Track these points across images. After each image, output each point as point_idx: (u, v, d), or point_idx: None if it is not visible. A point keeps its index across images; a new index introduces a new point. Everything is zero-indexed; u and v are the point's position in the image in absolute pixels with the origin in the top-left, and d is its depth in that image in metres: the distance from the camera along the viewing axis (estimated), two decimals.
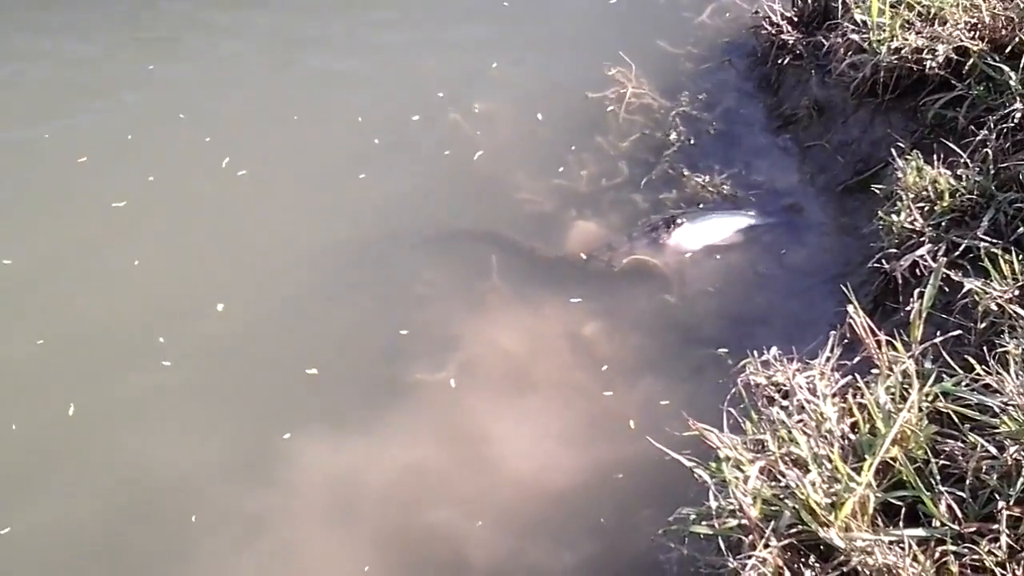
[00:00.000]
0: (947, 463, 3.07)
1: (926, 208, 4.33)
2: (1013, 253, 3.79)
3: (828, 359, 3.55)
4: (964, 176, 4.31)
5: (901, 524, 2.93)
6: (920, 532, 2.89)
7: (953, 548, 2.82)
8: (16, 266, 5.47)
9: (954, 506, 2.90)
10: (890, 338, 3.41)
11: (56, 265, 5.44)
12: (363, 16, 7.13)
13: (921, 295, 3.52)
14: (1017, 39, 4.70)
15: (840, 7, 5.66)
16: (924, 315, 3.44)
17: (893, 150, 4.71)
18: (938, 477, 3.00)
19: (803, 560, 2.98)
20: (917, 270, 4.16)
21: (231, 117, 6.36)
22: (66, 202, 5.84)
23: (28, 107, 6.57)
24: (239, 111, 6.43)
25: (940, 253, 4.07)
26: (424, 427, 4.58)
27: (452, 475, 4.42)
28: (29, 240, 5.60)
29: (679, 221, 5.19)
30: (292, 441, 4.56)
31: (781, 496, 3.06)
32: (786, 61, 6.00)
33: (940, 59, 4.89)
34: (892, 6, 5.14)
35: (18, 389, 4.88)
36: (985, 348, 3.43)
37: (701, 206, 5.38)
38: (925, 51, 4.95)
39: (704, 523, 3.19)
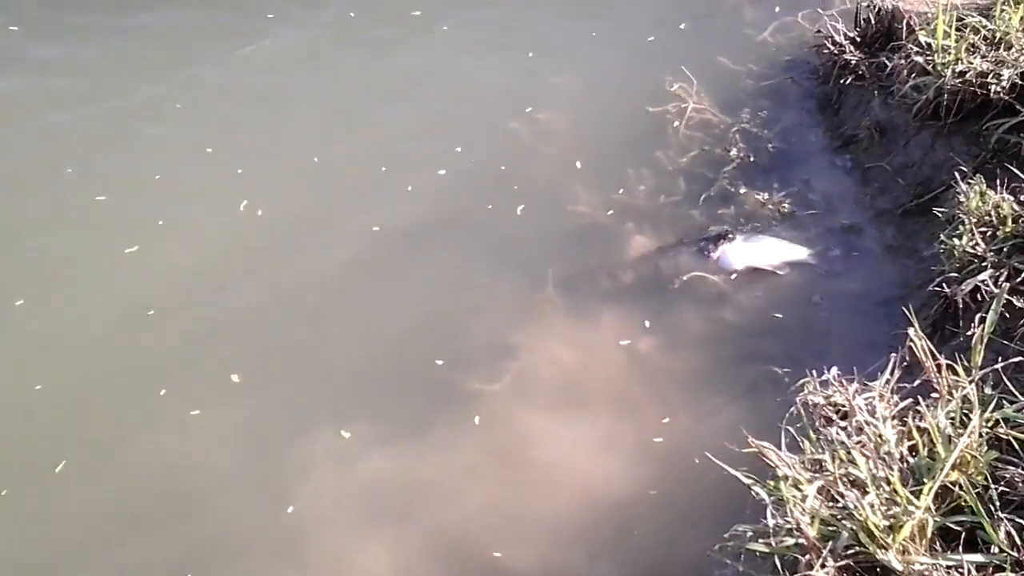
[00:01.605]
0: (1007, 490, 3.06)
1: (988, 233, 4.31)
2: None
3: (888, 381, 3.55)
4: None
5: (960, 549, 2.92)
6: (979, 558, 2.88)
7: (1012, 575, 2.81)
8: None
9: (1013, 533, 2.89)
10: (950, 362, 3.41)
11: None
12: (432, 20, 7.16)
13: (982, 320, 3.50)
14: None
15: (904, 28, 5.65)
16: (985, 340, 3.43)
17: (956, 173, 4.70)
18: (997, 503, 3.00)
19: None
20: (978, 295, 4.14)
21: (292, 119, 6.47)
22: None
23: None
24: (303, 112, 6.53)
25: (1002, 279, 4.06)
26: (476, 436, 4.61)
27: (501, 485, 4.45)
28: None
29: (730, 237, 5.18)
30: (345, 441, 4.62)
31: (839, 517, 3.06)
32: (848, 81, 5.99)
33: (1005, 83, 4.88)
34: (957, 29, 5.13)
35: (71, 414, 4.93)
36: None
37: (758, 227, 5.36)
38: (990, 75, 4.94)
39: (761, 541, 3.19)
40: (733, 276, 5.08)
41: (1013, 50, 4.94)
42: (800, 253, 5.12)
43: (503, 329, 5.04)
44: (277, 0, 7.34)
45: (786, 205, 5.46)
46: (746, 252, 5.14)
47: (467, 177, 5.92)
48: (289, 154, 6.15)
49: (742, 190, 5.58)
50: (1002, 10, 5.11)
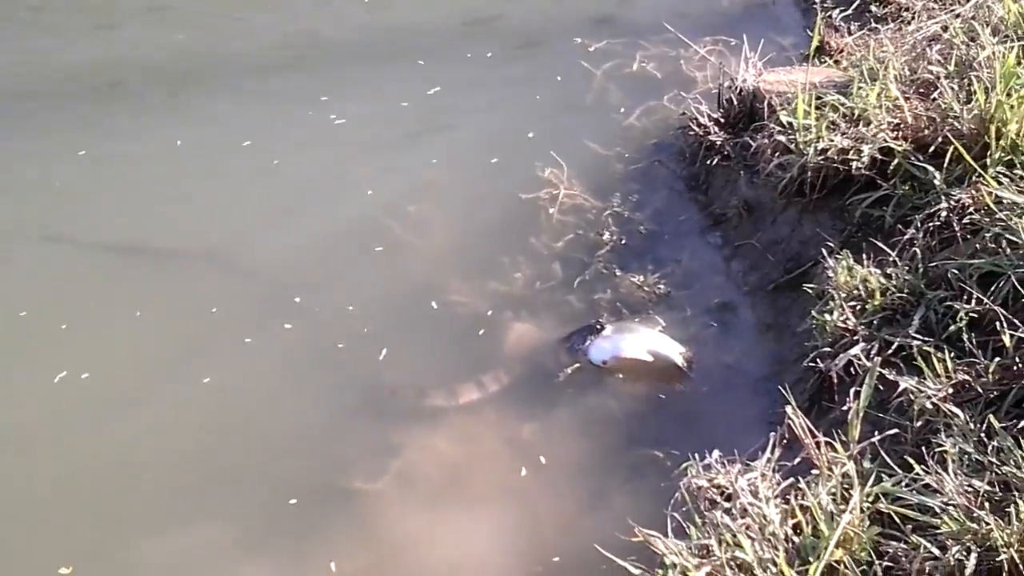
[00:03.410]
0: (891, 564, 3.09)
1: (858, 307, 4.39)
2: (945, 351, 3.85)
3: (769, 460, 3.58)
4: (894, 274, 4.39)
5: None
6: None
7: None
8: None
9: None
10: (828, 439, 3.44)
11: None
12: (291, 121, 7.12)
13: (857, 394, 3.55)
14: (940, 138, 4.82)
15: (766, 108, 5.77)
16: (861, 414, 3.47)
17: (823, 249, 4.79)
18: None
19: None
20: (851, 368, 4.20)
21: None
22: None
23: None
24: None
25: (874, 352, 4.12)
26: (360, 538, 4.49)
27: None
28: None
29: (598, 329, 5.14)
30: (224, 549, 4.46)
31: None
32: (714, 162, 6.09)
33: (865, 159, 4.99)
34: (817, 108, 5.26)
35: None
36: (923, 447, 3.47)
37: (632, 317, 5.34)
38: (851, 151, 5.05)
39: None
40: (604, 365, 5.05)
41: (872, 126, 5.06)
42: (673, 349, 5.04)
43: (386, 426, 4.94)
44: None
45: (661, 286, 5.47)
46: (613, 345, 5.10)
47: (345, 271, 5.86)
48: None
49: (617, 273, 5.59)
50: (859, 87, 5.26)
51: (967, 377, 3.72)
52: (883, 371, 3.86)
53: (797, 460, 3.54)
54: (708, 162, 6.13)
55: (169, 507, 4.64)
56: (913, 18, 6.17)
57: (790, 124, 5.38)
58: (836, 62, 6.27)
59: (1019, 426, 3.32)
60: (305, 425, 4.99)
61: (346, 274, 5.80)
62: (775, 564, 3.10)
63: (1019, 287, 3.92)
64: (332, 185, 6.51)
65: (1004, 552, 2.92)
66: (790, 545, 3.21)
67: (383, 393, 5.11)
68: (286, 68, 7.66)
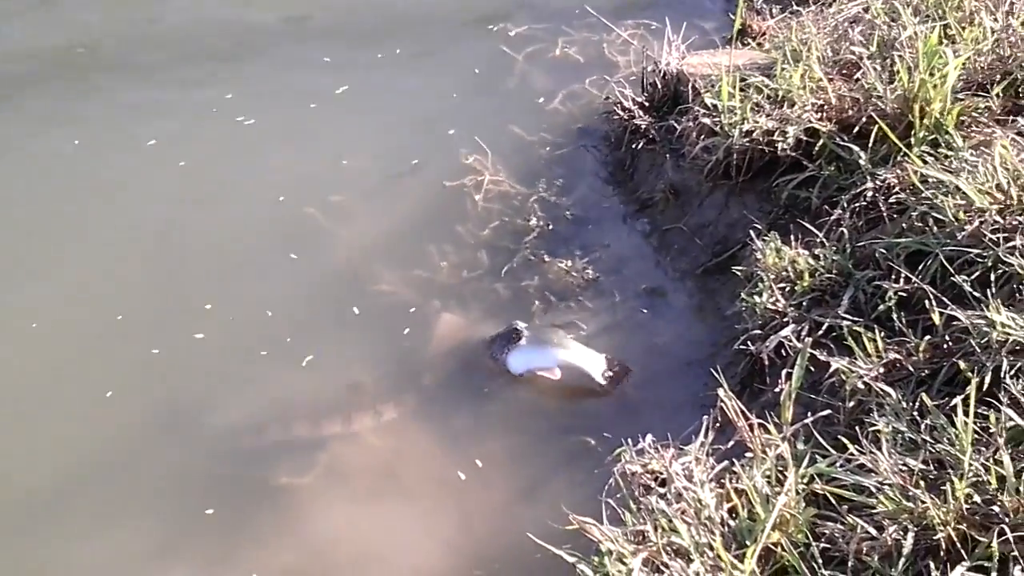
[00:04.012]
0: (828, 546, 3.06)
1: (787, 288, 4.38)
2: (876, 331, 3.85)
3: (703, 444, 3.55)
4: (822, 255, 4.39)
5: None
6: None
7: None
8: None
9: None
10: (761, 421, 3.42)
11: None
12: (203, 110, 6.95)
13: (789, 376, 3.55)
14: (864, 119, 4.82)
15: (691, 91, 5.76)
16: (793, 396, 3.45)
17: (751, 231, 4.77)
18: (820, 561, 2.99)
19: None
20: (782, 350, 4.19)
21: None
22: None
23: None
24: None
25: (804, 333, 4.11)
26: (289, 533, 4.40)
27: None
28: None
29: (515, 337, 4.97)
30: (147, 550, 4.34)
31: None
32: (640, 146, 6.06)
33: (791, 141, 4.99)
34: (741, 90, 5.24)
35: None
36: (856, 427, 3.45)
37: (554, 324, 5.20)
38: (776, 133, 5.04)
39: None
40: (522, 376, 4.95)
41: (796, 107, 5.06)
42: (590, 361, 4.87)
43: (315, 420, 4.85)
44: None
45: (589, 271, 5.43)
46: (528, 359, 4.94)
47: (257, 266, 5.72)
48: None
49: (545, 259, 5.54)
50: (783, 69, 5.25)
51: (898, 356, 3.72)
52: (814, 352, 3.86)
53: (731, 443, 3.51)
54: (633, 146, 6.10)
55: (86, 513, 4.51)
56: (834, 0, 6.17)
57: (715, 107, 5.35)
58: (759, 44, 6.25)
59: (951, 404, 3.30)
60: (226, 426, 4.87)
61: (267, 269, 5.69)
62: (712, 548, 3.06)
63: (947, 265, 3.93)
64: (247, 180, 6.36)
65: (941, 530, 2.90)
66: (726, 529, 3.18)
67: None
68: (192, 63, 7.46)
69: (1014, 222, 3.93)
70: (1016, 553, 2.78)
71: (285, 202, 6.06)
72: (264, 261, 5.74)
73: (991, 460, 3.02)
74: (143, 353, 5.16)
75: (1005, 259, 3.80)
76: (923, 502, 2.96)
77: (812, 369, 3.85)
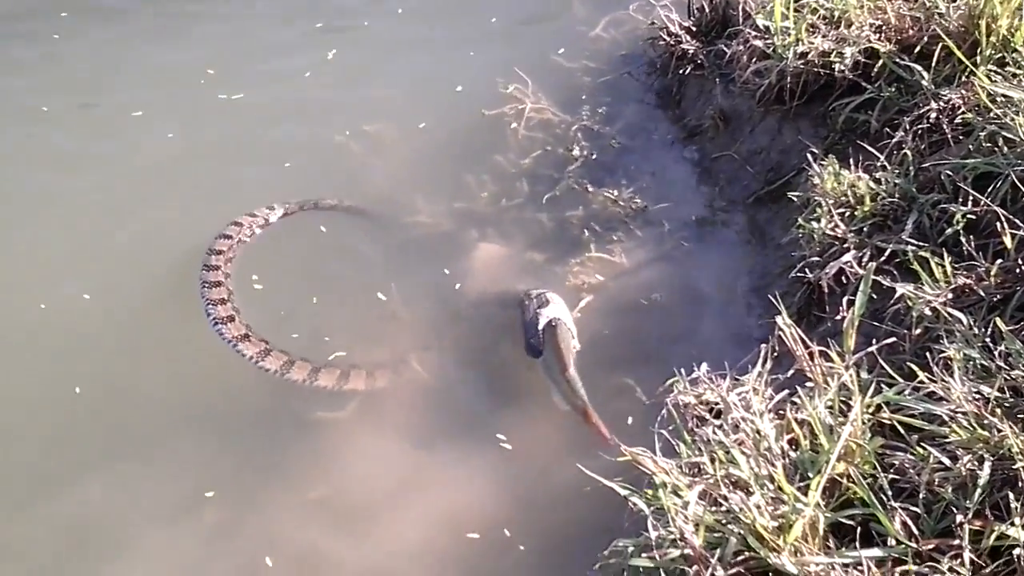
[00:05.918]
0: (897, 477, 2.89)
1: (847, 214, 4.19)
2: (943, 256, 3.65)
3: (760, 374, 3.38)
4: (883, 179, 4.19)
5: (856, 545, 2.73)
6: (877, 552, 2.69)
7: (914, 567, 2.62)
8: None
9: (909, 523, 2.71)
10: (823, 349, 3.24)
11: None
12: (247, 44, 6.78)
13: (851, 303, 3.34)
14: (925, 39, 4.61)
15: (740, 14, 5.54)
16: (856, 324, 3.26)
17: (807, 156, 4.57)
18: (889, 492, 2.82)
19: None
20: (842, 278, 4.01)
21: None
22: None
23: None
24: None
25: (866, 259, 3.92)
26: (323, 467, 4.28)
27: (360, 514, 4.13)
28: None
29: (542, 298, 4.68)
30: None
31: (725, 522, 2.85)
32: (687, 72, 5.86)
33: (848, 62, 4.78)
34: (795, 10, 5.02)
35: None
36: (926, 354, 3.27)
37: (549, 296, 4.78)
38: (832, 54, 4.83)
39: (644, 555, 2.95)
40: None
41: (853, 27, 4.84)
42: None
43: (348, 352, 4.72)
44: None
45: (637, 201, 5.27)
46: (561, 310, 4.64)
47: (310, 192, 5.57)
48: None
49: (589, 189, 5.38)
50: None
51: (968, 281, 3.52)
52: (877, 278, 3.65)
53: (789, 373, 3.32)
54: (680, 72, 5.90)
55: (126, 448, 4.43)
56: None
57: (767, 28, 5.14)
58: None
59: None
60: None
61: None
62: (773, 480, 2.89)
63: (1019, 185, 3.72)
64: (294, 112, 6.21)
65: (1021, 460, 2.72)
66: (788, 461, 3.01)
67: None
68: None
69: None
70: None
71: (319, 130, 5.91)
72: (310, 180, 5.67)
73: None
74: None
75: None
76: (1000, 430, 2.78)
77: (874, 296, 3.65)
